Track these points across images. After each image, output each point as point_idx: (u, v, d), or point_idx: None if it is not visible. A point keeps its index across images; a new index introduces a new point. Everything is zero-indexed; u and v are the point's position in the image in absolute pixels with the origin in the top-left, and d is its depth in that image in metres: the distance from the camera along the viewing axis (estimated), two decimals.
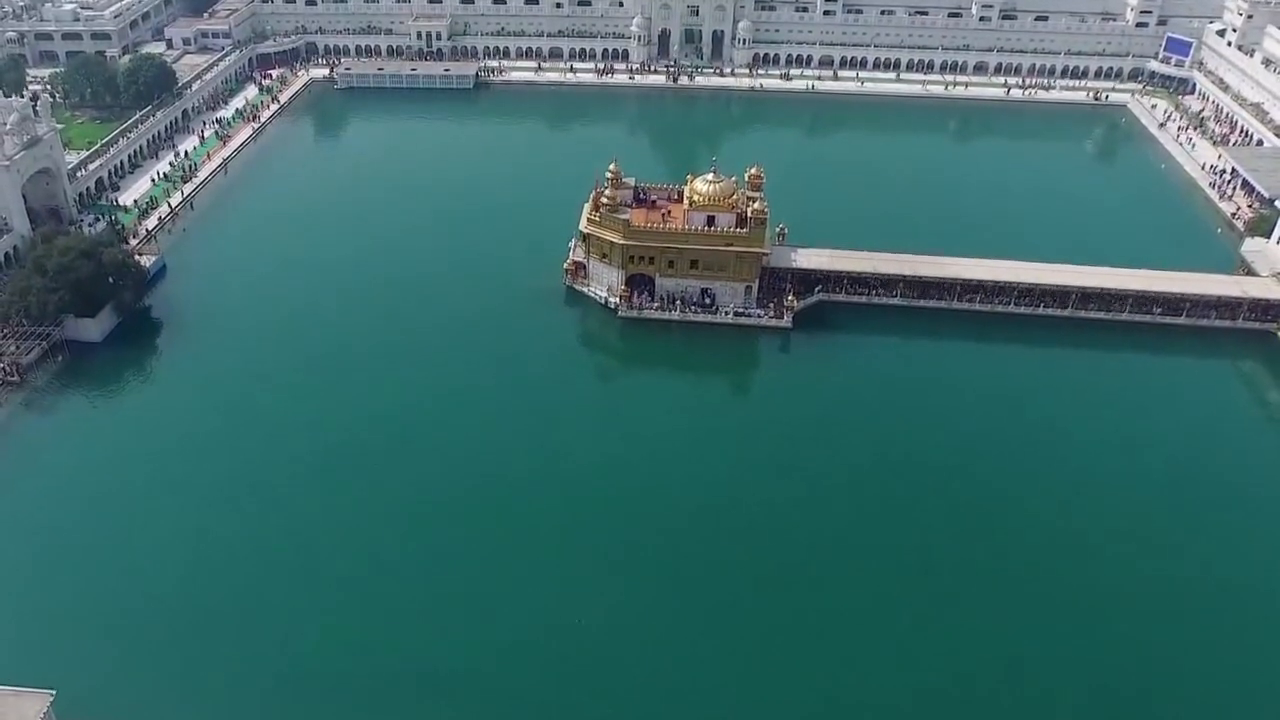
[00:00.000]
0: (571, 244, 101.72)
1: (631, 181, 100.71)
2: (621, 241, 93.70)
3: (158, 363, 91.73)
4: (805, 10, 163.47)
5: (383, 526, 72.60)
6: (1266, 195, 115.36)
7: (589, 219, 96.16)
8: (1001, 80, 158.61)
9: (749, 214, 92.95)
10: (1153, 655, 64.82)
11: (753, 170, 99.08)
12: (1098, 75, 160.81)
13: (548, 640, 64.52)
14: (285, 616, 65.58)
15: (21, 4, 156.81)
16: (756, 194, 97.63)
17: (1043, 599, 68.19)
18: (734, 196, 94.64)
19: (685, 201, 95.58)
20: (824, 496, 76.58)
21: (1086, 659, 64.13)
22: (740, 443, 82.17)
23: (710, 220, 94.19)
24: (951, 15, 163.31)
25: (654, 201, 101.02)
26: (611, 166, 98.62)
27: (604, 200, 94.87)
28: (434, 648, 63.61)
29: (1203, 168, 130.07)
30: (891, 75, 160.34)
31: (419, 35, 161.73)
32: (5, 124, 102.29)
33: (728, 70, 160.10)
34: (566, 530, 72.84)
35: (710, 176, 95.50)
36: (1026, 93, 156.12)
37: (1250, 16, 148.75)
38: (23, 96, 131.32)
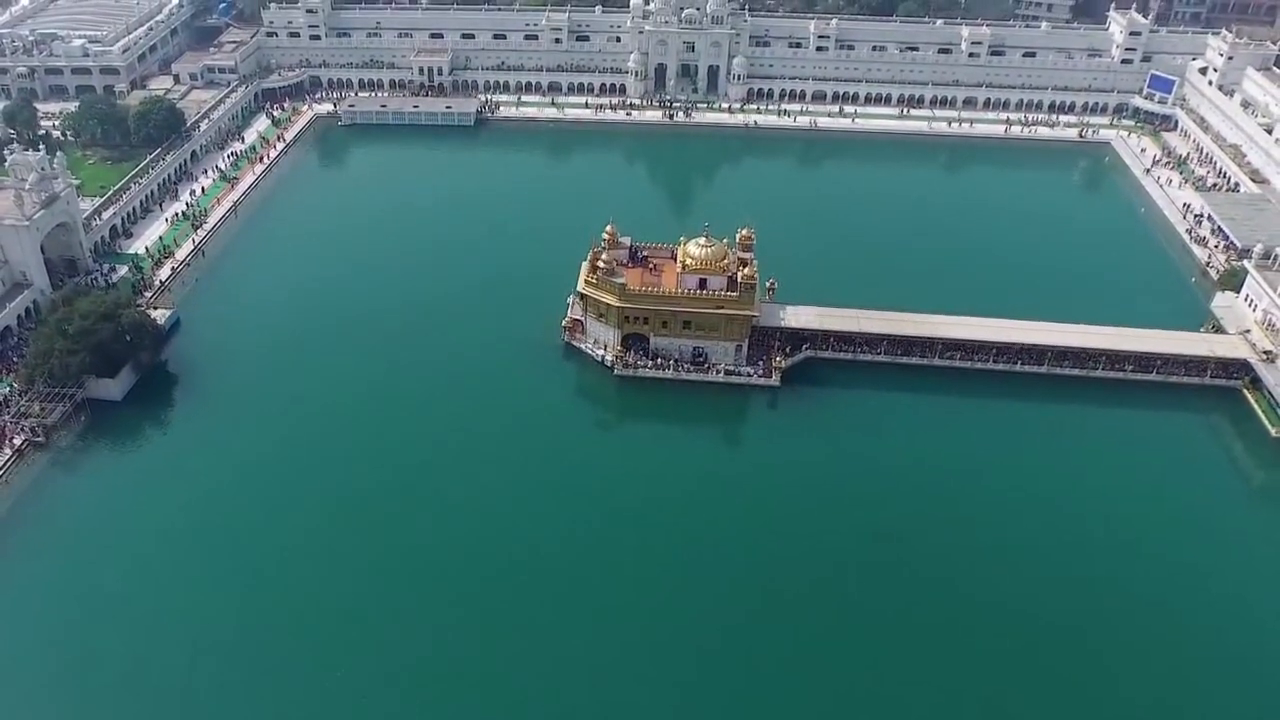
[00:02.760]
0: (570, 300, 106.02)
1: (627, 241, 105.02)
2: (617, 304, 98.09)
3: (177, 419, 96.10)
4: (799, 46, 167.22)
5: (385, 574, 78.44)
6: (1240, 245, 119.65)
7: (586, 280, 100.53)
8: (1004, 117, 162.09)
9: (739, 278, 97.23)
10: (1137, 691, 71.49)
11: (743, 232, 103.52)
12: (1084, 110, 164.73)
13: (547, 680, 70.56)
14: (305, 667, 71.22)
15: (32, 40, 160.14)
16: (747, 255, 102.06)
17: (1023, 642, 74.60)
18: (725, 260, 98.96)
19: (678, 264, 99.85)
20: (808, 551, 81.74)
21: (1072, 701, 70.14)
22: (728, 500, 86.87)
23: (702, 283, 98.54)
24: (941, 51, 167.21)
25: (646, 258, 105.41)
26: (608, 228, 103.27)
27: (600, 263, 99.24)
28: (441, 690, 69.99)
29: (1183, 215, 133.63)
30: (891, 110, 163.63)
31: (421, 70, 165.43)
32: (25, 183, 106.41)
33: (724, 105, 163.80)
34: (557, 579, 78.48)
35: (702, 240, 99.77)
36: (1027, 130, 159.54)
37: (1230, 58, 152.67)
38: (35, 136, 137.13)
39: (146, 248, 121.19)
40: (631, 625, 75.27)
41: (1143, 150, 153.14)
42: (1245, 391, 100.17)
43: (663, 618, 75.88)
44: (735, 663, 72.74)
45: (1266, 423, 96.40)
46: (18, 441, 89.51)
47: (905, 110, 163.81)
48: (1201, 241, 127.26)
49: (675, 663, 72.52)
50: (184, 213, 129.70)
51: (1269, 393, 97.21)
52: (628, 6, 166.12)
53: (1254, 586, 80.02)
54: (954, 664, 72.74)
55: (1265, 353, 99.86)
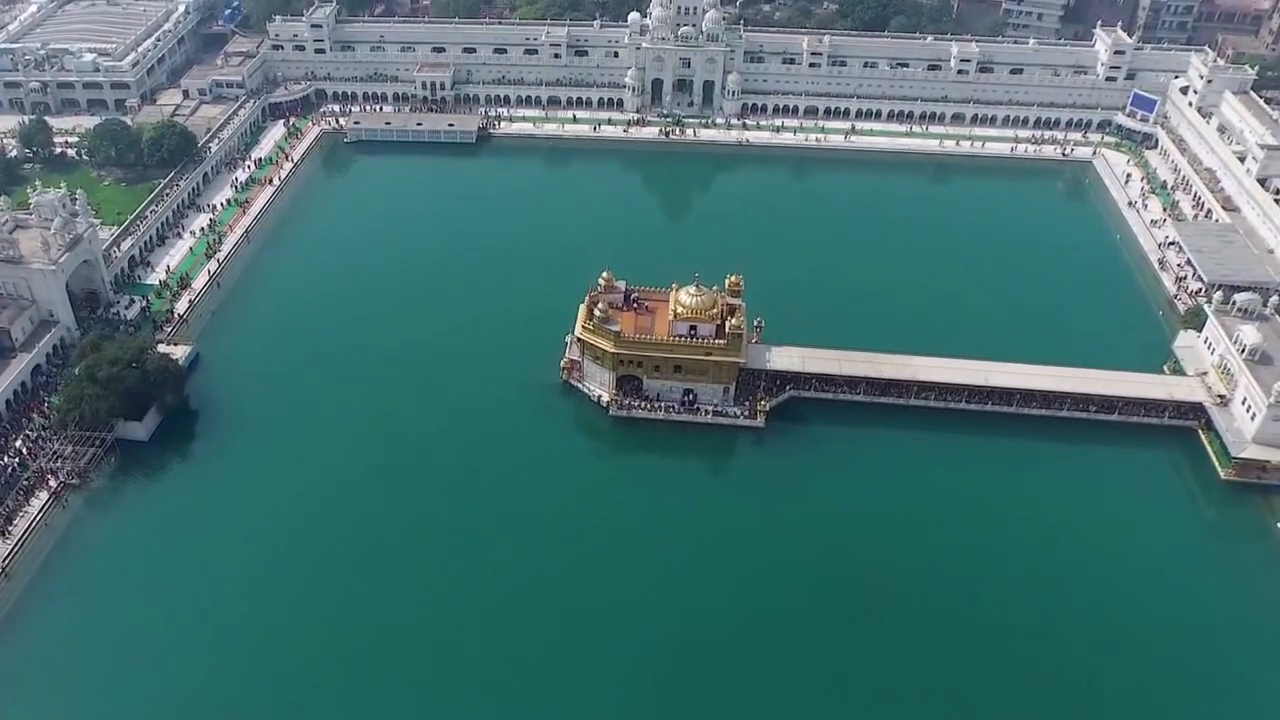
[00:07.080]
0: (568, 340, 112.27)
1: (622, 285, 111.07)
2: (612, 350, 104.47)
3: (201, 457, 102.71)
4: (792, 62, 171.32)
5: (395, 602, 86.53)
6: (1206, 280, 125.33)
7: (583, 326, 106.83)
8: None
9: (728, 327, 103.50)
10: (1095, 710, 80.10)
11: (732, 278, 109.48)
12: (1068, 126, 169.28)
13: (541, 707, 78.79)
14: (317, 682, 79.93)
15: (43, 54, 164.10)
16: (735, 300, 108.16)
17: (990, 662, 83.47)
18: (714, 309, 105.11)
19: (670, 311, 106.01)
20: (790, 582, 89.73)
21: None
22: (715, 534, 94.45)
23: (692, 330, 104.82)
24: (931, 68, 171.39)
25: (639, 300, 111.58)
26: (604, 274, 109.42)
27: (596, 312, 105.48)
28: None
29: (1159, 243, 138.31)
30: (881, 126, 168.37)
31: (424, 85, 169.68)
32: (50, 225, 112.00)
33: (719, 120, 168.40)
34: (555, 607, 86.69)
35: (693, 289, 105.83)
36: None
37: (1209, 81, 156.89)
38: (50, 156, 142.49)
39: (167, 267, 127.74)
40: (624, 650, 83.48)
41: (1127, 177, 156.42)
42: (1200, 433, 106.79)
43: (652, 643, 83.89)
44: (723, 687, 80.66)
45: (1217, 465, 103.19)
46: (54, 484, 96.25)
47: (910, 128, 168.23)
48: (1172, 275, 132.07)
49: (667, 686, 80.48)
50: (201, 230, 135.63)
51: (1220, 436, 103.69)
52: (626, 22, 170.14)
53: (1195, 614, 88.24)
54: (929, 685, 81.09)
55: (1219, 397, 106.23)
